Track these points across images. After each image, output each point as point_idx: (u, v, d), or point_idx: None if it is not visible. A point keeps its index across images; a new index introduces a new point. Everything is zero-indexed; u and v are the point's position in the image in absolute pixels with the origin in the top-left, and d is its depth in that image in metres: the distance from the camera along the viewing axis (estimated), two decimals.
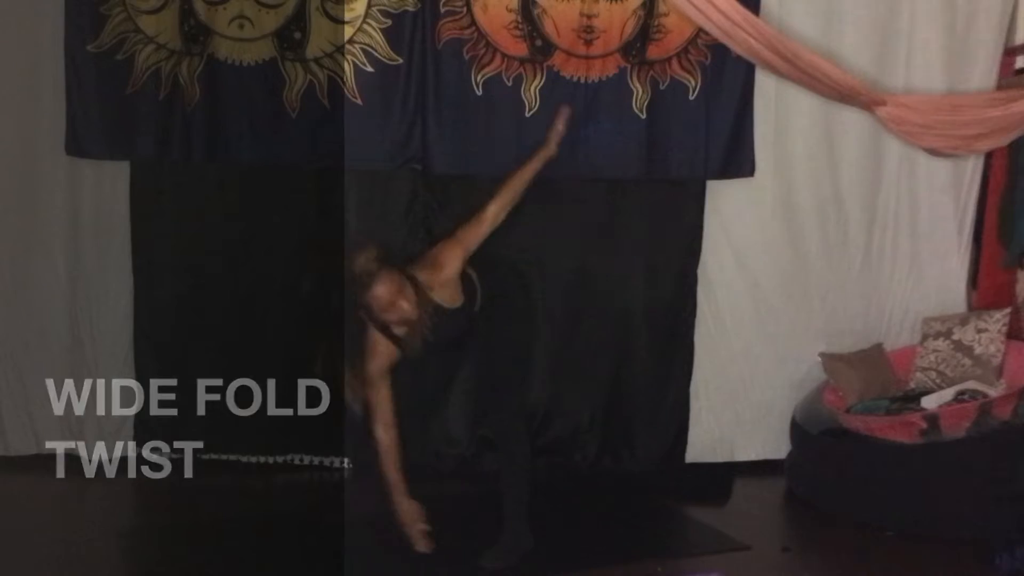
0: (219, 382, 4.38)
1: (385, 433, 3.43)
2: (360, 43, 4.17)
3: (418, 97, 4.21)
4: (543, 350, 4.46)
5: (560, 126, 3.81)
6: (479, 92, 4.22)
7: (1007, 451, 3.72)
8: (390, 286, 3.26)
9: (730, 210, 4.47)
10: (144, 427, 4.40)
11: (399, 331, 3.35)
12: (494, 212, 3.55)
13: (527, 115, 4.24)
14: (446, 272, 3.42)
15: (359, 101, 4.18)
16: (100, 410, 4.35)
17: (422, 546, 3.44)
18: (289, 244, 4.38)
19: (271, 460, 4.45)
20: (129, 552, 3.51)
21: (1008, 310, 4.30)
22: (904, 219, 4.60)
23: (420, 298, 3.32)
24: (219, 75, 4.14)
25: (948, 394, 4.08)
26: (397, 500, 3.45)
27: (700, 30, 4.12)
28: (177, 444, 4.41)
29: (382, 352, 3.40)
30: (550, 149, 3.78)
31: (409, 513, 3.45)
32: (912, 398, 4.18)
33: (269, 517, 3.90)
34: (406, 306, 3.28)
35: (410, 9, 4.15)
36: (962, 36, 4.44)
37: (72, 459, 4.36)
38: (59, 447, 4.37)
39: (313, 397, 4.42)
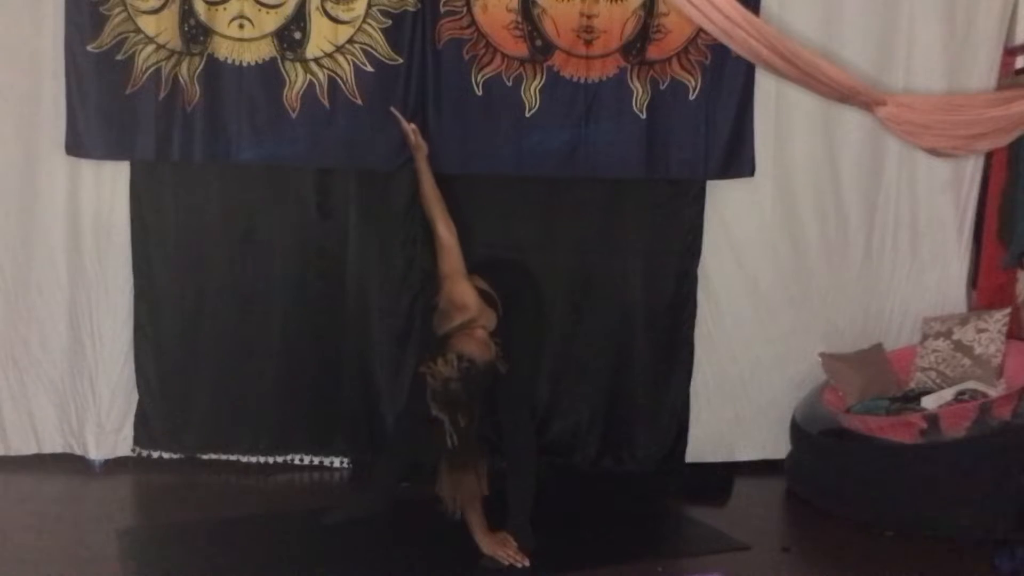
0: (219, 382, 4.40)
1: (473, 481, 3.48)
2: (360, 43, 4.17)
3: (418, 97, 4.21)
4: (544, 348, 4.46)
5: (405, 125, 3.97)
6: (479, 92, 4.22)
7: (1007, 451, 3.72)
8: (469, 341, 3.39)
9: (730, 210, 4.47)
10: (144, 427, 4.40)
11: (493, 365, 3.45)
12: (445, 232, 3.67)
13: (527, 115, 4.24)
14: (470, 304, 3.49)
15: (359, 101, 4.18)
16: (100, 410, 4.36)
17: (521, 560, 3.43)
18: (289, 244, 4.37)
19: (271, 460, 4.45)
20: (129, 552, 3.50)
21: (1008, 310, 4.30)
22: (904, 219, 4.60)
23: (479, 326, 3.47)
24: (219, 75, 4.13)
25: (948, 394, 4.08)
26: (482, 537, 3.48)
27: (700, 30, 4.12)
28: (177, 444, 4.43)
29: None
30: (421, 147, 3.93)
31: (497, 543, 3.46)
32: (912, 398, 4.18)
33: (269, 517, 3.89)
34: (483, 333, 3.43)
35: (410, 9, 4.15)
36: (962, 36, 4.44)
37: (72, 459, 4.39)
38: (59, 447, 4.41)
39: (312, 396, 4.45)
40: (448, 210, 3.79)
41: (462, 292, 3.51)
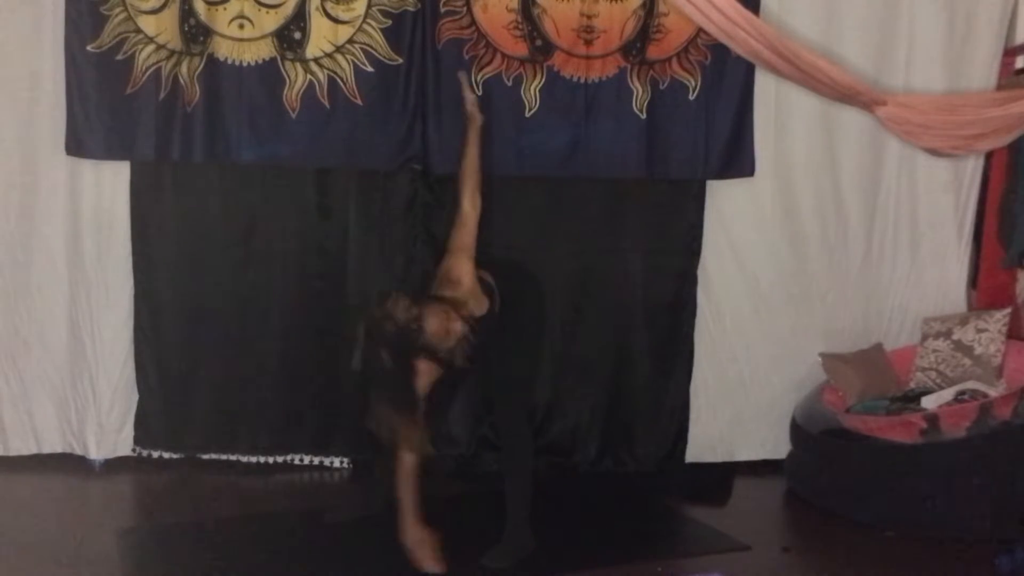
0: (219, 382, 4.40)
1: (410, 456, 3.42)
2: (360, 43, 4.17)
3: (418, 97, 4.21)
4: (544, 350, 4.45)
5: (469, 95, 3.71)
6: (479, 92, 4.21)
7: (1007, 451, 3.72)
8: (439, 316, 3.29)
9: (730, 210, 4.48)
10: (144, 427, 4.40)
11: (444, 353, 3.36)
12: (469, 206, 3.56)
13: (527, 115, 4.24)
14: (465, 283, 3.44)
15: (359, 101, 4.18)
16: (100, 410, 4.36)
17: (431, 567, 3.38)
18: (289, 244, 4.37)
19: (271, 460, 4.45)
20: (129, 552, 3.50)
21: (1008, 310, 4.30)
22: (904, 219, 4.60)
23: (462, 313, 3.36)
24: (219, 75, 4.14)
25: (948, 394, 4.08)
26: (408, 523, 3.42)
27: (700, 30, 4.12)
28: (177, 444, 4.43)
29: (424, 372, 3.39)
30: (476, 118, 3.69)
31: (417, 538, 3.40)
32: (912, 398, 4.18)
33: (269, 517, 3.89)
34: (458, 327, 3.32)
35: (410, 9, 4.16)
36: (962, 36, 4.44)
37: (72, 459, 4.39)
38: (59, 447, 4.41)
39: (312, 396, 4.45)
40: (463, 256, 3.55)
41: (461, 269, 3.46)
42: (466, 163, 3.63)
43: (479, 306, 3.46)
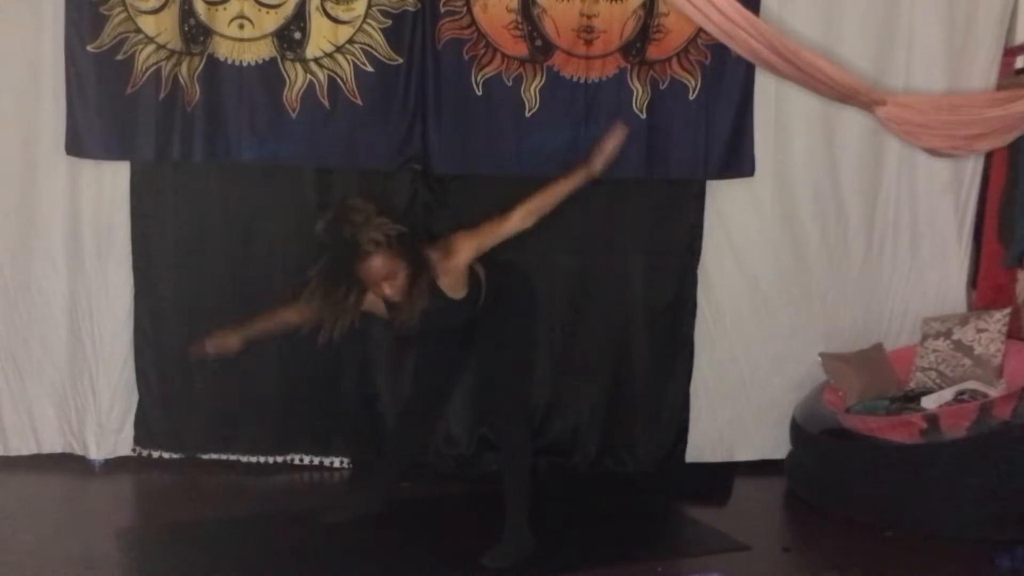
0: (219, 381, 4.40)
1: (298, 312, 3.35)
2: (360, 43, 4.17)
3: (418, 97, 4.21)
4: (543, 350, 4.46)
5: (608, 146, 3.44)
6: (479, 92, 4.22)
7: (1007, 451, 3.72)
8: (385, 265, 3.17)
9: (730, 210, 4.47)
10: (144, 427, 4.40)
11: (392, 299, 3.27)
12: (520, 216, 3.39)
13: (527, 115, 4.24)
14: (456, 260, 3.35)
15: (359, 101, 4.18)
16: (100, 410, 4.36)
17: (193, 351, 3.48)
18: (289, 244, 4.37)
19: (271, 460, 4.45)
20: (129, 552, 3.50)
21: (1008, 310, 4.30)
22: (904, 219, 4.60)
23: (417, 283, 3.24)
24: (219, 75, 4.14)
25: (948, 394, 4.08)
26: (237, 331, 3.46)
27: (700, 30, 4.12)
28: (177, 444, 4.43)
29: (368, 300, 3.32)
30: (593, 168, 3.45)
31: (226, 340, 3.45)
32: (912, 398, 4.18)
33: (269, 517, 3.89)
34: (388, 291, 3.20)
35: (410, 9, 4.16)
36: (962, 36, 4.44)
37: (72, 459, 4.39)
38: (59, 447, 4.41)
39: (312, 396, 4.45)
40: (475, 243, 3.43)
41: (463, 246, 3.37)
42: (550, 187, 3.44)
43: (452, 287, 3.39)
